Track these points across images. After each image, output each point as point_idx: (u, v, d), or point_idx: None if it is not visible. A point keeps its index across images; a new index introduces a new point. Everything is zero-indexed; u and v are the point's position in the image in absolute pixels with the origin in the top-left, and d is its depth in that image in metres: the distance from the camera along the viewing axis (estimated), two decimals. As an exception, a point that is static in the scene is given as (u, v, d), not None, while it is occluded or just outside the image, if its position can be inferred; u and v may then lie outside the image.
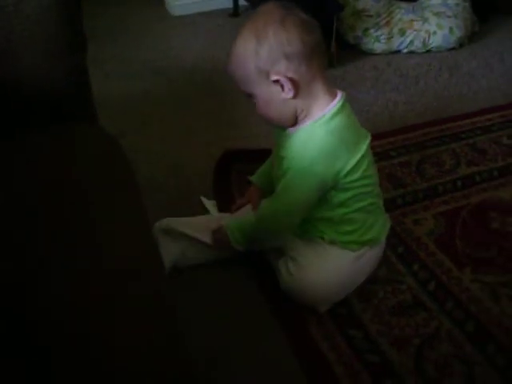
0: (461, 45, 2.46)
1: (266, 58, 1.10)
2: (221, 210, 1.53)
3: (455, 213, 1.55)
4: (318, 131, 1.15)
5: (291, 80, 1.12)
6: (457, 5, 2.47)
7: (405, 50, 2.41)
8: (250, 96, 1.17)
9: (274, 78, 1.12)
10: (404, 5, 2.45)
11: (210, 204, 1.56)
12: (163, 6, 2.91)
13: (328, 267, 1.24)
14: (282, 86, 1.13)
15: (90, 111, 0.98)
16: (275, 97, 1.14)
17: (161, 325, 0.69)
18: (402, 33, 2.38)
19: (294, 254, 1.27)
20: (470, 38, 2.50)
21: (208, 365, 1.11)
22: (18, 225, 0.75)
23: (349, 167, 1.17)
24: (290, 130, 1.21)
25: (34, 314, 0.66)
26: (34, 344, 0.64)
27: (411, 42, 2.40)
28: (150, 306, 0.69)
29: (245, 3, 2.78)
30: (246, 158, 1.70)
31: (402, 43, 2.40)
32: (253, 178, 1.46)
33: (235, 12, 2.79)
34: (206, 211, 1.54)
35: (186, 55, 2.46)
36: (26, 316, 0.66)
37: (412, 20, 2.39)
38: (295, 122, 1.19)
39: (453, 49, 2.44)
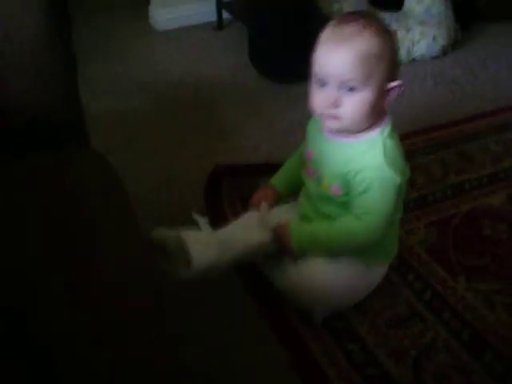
0: (444, 53, 2.48)
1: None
2: (213, 226, 1.52)
3: (446, 221, 1.55)
4: (378, 139, 1.16)
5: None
6: (439, 13, 2.49)
7: (389, 59, 2.43)
8: (351, 89, 1.11)
9: (393, 84, 1.14)
10: (387, 14, 2.46)
11: (202, 221, 1.55)
12: (147, 20, 2.91)
13: (340, 272, 1.22)
14: (389, 93, 1.15)
15: (82, 133, 0.98)
16: (376, 99, 1.13)
17: (160, 326, 0.69)
18: (386, 42, 2.39)
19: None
20: (453, 46, 2.52)
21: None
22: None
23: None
24: (346, 139, 1.18)
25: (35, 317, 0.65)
26: (34, 345, 0.63)
27: (395, 51, 2.41)
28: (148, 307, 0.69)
29: (229, 16, 2.78)
30: (236, 173, 1.70)
31: (386, 52, 2.41)
32: (273, 182, 1.40)
33: (219, 25, 2.79)
34: (199, 228, 1.53)
35: (171, 70, 2.45)
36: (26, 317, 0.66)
37: (395, 29, 2.41)
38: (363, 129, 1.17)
39: (437, 57, 2.46)
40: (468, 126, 1.97)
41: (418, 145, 1.88)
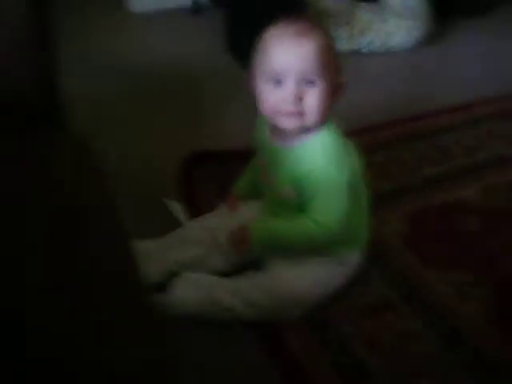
0: (419, 46, 2.49)
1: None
2: (188, 212, 1.51)
3: (420, 213, 1.56)
4: (319, 141, 1.17)
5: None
6: (416, 6, 2.49)
7: (364, 50, 2.43)
8: (310, 82, 1.11)
9: (342, 80, 1.18)
10: (364, 5, 2.47)
11: (174, 206, 1.54)
12: (122, 2, 2.85)
13: (314, 273, 1.25)
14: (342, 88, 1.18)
15: (59, 114, 0.95)
16: (331, 93, 1.15)
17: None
18: (362, 33, 2.40)
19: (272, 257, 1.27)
20: (429, 39, 2.53)
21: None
22: None
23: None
24: (291, 143, 1.19)
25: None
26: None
27: (371, 41, 2.42)
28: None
29: (206, 0, 2.75)
30: (212, 159, 1.69)
31: (361, 43, 2.41)
32: (237, 192, 1.42)
33: (196, 9, 2.76)
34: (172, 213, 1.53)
35: (148, 53, 2.41)
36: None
37: (372, 20, 2.41)
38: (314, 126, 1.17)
39: (412, 49, 2.47)
40: (442, 119, 1.98)
41: (392, 136, 1.88)
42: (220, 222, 1.36)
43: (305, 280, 1.24)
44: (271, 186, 1.26)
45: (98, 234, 0.76)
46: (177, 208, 1.54)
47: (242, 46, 2.28)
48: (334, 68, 1.15)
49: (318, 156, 1.16)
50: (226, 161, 1.70)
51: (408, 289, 1.34)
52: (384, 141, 1.86)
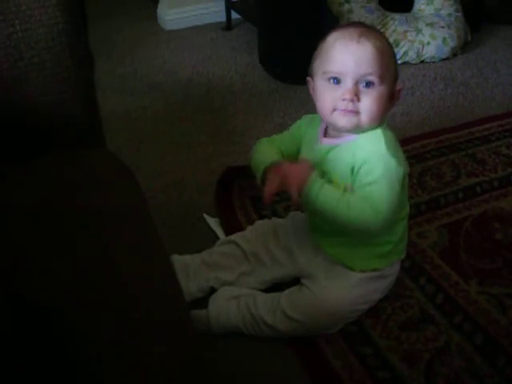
0: (454, 55, 2.47)
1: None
2: (225, 227, 1.52)
3: (458, 224, 1.55)
4: (378, 132, 1.17)
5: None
6: (449, 15, 2.49)
7: (399, 61, 2.42)
8: (368, 83, 1.12)
9: (399, 87, 1.19)
10: (397, 16, 2.46)
11: (213, 222, 1.56)
12: (155, 20, 2.91)
13: (354, 290, 1.23)
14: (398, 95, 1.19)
15: (99, 134, 0.98)
16: (388, 98, 1.16)
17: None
18: (397, 44, 2.39)
19: (315, 273, 1.26)
20: (463, 48, 2.51)
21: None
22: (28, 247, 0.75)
23: None
24: (347, 139, 1.18)
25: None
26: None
27: (405, 52, 2.41)
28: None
29: (238, 16, 2.78)
30: (247, 174, 1.70)
31: (396, 54, 2.40)
32: (273, 161, 1.23)
33: (228, 25, 2.79)
34: (209, 229, 1.54)
35: (180, 70, 2.45)
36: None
37: (406, 31, 2.41)
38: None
39: (446, 59, 2.45)
40: (478, 129, 1.97)
41: (428, 147, 1.88)
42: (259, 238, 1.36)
43: (347, 296, 1.22)
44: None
45: (136, 252, 0.78)
46: (215, 223, 1.55)
47: (274, 62, 2.31)
48: (392, 73, 1.16)
49: (372, 146, 1.15)
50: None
51: (447, 301, 1.33)
52: (421, 152, 1.85)
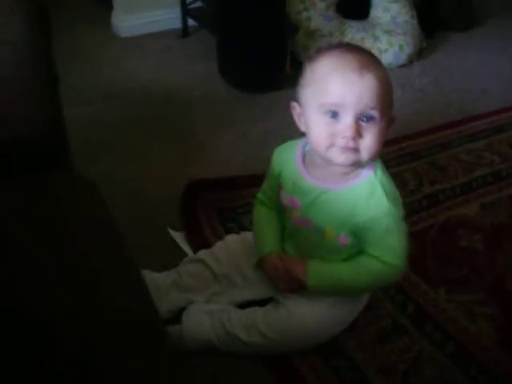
0: (411, 61, 2.51)
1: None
2: (191, 240, 1.50)
3: (424, 233, 1.56)
4: (375, 180, 1.10)
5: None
6: (405, 22, 2.52)
7: (357, 68, 2.44)
8: (369, 118, 1.02)
9: (394, 114, 1.09)
10: (355, 23, 2.48)
11: (178, 236, 1.53)
12: (109, 27, 2.85)
13: (331, 311, 1.21)
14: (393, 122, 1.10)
15: (66, 154, 0.94)
16: (386, 130, 1.07)
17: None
18: (354, 51, 2.40)
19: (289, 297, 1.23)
20: (419, 55, 2.55)
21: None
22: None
23: None
24: (342, 185, 1.11)
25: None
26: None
27: (363, 59, 2.42)
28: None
29: (194, 23, 2.75)
30: (210, 187, 1.68)
31: (353, 61, 2.42)
32: (270, 250, 1.24)
33: (184, 32, 2.76)
34: (173, 241, 1.51)
35: (136, 78, 2.40)
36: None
37: (363, 38, 2.42)
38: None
39: (403, 66, 2.49)
40: (438, 136, 1.99)
41: (390, 155, 1.88)
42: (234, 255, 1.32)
43: (323, 317, 1.20)
44: (318, 232, 1.16)
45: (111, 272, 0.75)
46: (180, 238, 1.52)
47: (234, 70, 2.29)
48: (390, 102, 1.07)
49: (375, 201, 1.09)
50: (223, 188, 1.69)
51: (418, 310, 1.34)
52: (383, 160, 1.85)
